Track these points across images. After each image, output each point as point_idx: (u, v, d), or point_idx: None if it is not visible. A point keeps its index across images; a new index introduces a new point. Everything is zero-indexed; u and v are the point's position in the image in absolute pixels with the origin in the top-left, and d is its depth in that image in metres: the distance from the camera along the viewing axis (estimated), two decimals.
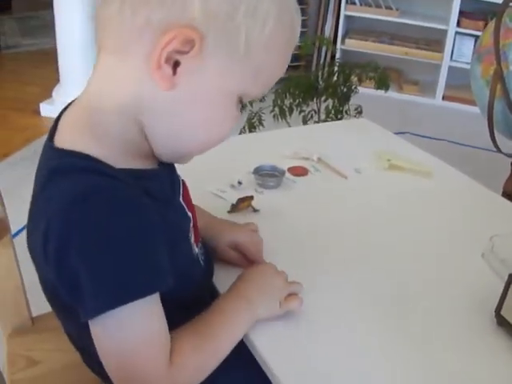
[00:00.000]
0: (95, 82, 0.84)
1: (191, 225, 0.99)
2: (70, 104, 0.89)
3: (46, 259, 0.78)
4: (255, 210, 1.32)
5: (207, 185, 1.39)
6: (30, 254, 0.88)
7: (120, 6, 0.78)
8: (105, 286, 0.75)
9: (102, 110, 0.82)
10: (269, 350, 0.95)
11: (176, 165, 0.99)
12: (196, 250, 1.00)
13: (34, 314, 1.30)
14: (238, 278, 1.03)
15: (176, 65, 0.79)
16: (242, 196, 1.33)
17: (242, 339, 0.97)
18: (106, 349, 0.80)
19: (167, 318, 0.84)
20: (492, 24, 2.29)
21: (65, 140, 0.83)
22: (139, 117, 0.82)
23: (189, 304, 0.93)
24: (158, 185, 0.89)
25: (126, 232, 0.76)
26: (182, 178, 1.03)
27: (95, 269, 0.75)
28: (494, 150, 2.48)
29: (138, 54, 0.78)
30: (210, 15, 0.76)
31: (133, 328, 0.79)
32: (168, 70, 0.78)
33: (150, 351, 0.81)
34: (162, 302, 0.82)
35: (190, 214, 0.99)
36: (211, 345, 0.91)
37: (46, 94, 4.09)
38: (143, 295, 0.77)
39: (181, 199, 0.98)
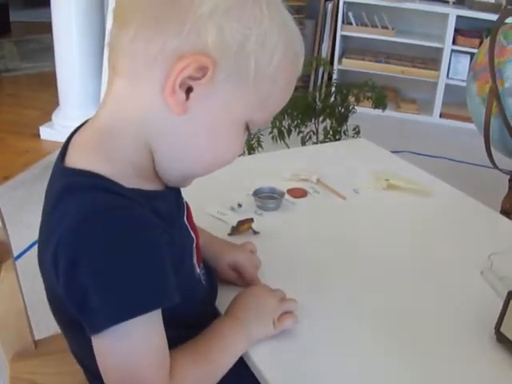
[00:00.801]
0: (108, 106, 0.86)
1: (194, 245, 1.01)
2: (80, 126, 0.91)
3: (56, 275, 0.80)
4: (255, 233, 1.33)
5: (207, 207, 1.40)
6: (41, 270, 0.89)
7: (134, 35, 0.80)
8: (111, 301, 0.77)
9: (113, 132, 0.84)
10: (268, 366, 0.96)
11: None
12: (198, 270, 1.02)
13: (37, 338, 1.31)
14: (233, 302, 1.04)
15: (188, 90, 0.81)
16: (242, 218, 1.34)
17: (242, 356, 0.98)
18: (107, 363, 0.82)
19: (170, 337, 0.86)
20: (487, 42, 2.31)
21: (76, 160, 0.85)
22: (149, 140, 0.85)
23: (192, 323, 0.95)
24: (165, 205, 0.90)
25: (133, 249, 0.78)
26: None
27: (102, 285, 0.77)
28: (492, 167, 2.49)
29: (152, 80, 0.81)
30: (224, 44, 0.79)
31: (135, 343, 0.80)
32: (182, 95, 0.81)
33: (151, 366, 0.82)
34: (165, 322, 0.84)
35: (193, 234, 1.01)
36: (209, 365, 0.93)
37: (46, 118, 4.10)
38: (147, 310, 0.79)
39: (185, 219, 0.99)
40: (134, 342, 0.80)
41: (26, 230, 2.54)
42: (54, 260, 0.79)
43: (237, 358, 0.96)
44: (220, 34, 0.79)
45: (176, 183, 0.94)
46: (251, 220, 1.33)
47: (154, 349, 0.83)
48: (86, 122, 0.91)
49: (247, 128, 0.90)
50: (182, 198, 1.01)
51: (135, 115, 0.84)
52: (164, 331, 0.84)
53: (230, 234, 1.31)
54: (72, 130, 0.92)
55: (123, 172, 0.84)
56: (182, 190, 1.00)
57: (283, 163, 1.67)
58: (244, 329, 0.98)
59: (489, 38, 2.30)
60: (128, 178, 0.84)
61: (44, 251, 0.84)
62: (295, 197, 1.51)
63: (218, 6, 0.79)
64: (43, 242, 0.86)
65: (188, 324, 0.94)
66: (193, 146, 0.87)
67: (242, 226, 1.32)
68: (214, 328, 0.98)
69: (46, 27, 4.12)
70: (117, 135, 0.84)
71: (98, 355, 0.82)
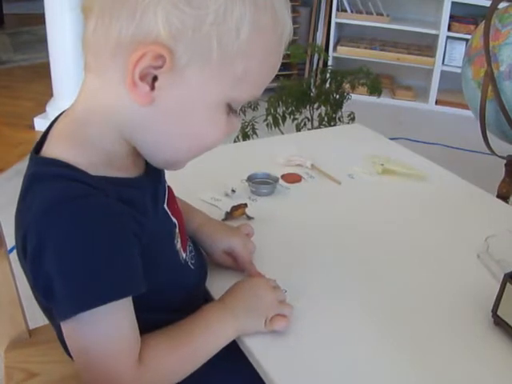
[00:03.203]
0: (81, 98, 0.86)
1: (177, 230, 0.99)
2: (57, 117, 0.90)
3: (24, 261, 0.81)
4: (249, 218, 1.32)
5: (201, 194, 1.39)
6: (18, 258, 0.89)
7: (94, 27, 0.79)
8: (76, 289, 0.77)
9: (85, 122, 0.84)
10: (264, 354, 0.95)
11: (168, 174, 1.00)
12: (183, 255, 1.01)
13: (31, 327, 1.30)
14: (230, 289, 1.03)
15: (155, 79, 0.79)
16: (235, 204, 1.33)
17: (238, 345, 0.97)
18: (75, 350, 0.83)
19: (159, 321, 0.86)
20: (482, 26, 2.30)
21: (47, 149, 0.85)
22: (122, 130, 0.84)
23: (181, 307, 0.95)
24: (138, 193, 0.89)
25: (97, 238, 0.78)
26: (176, 187, 1.03)
27: (67, 272, 0.77)
28: (488, 152, 2.49)
29: (114, 72, 0.80)
30: (175, 31, 0.76)
31: (102, 330, 0.80)
32: (144, 86, 0.79)
33: (117, 353, 0.82)
34: (153, 306, 0.84)
35: (174, 220, 0.99)
36: (186, 350, 0.91)
37: (40, 109, 4.09)
38: (113, 299, 0.79)
39: (165, 205, 0.98)
40: (98, 330, 0.80)
41: None
42: (23, 248, 0.80)
43: (220, 347, 0.95)
44: (170, 20, 0.76)
45: (164, 166, 0.94)
46: (245, 205, 1.32)
47: (120, 337, 0.82)
48: (62, 113, 0.90)
49: (230, 108, 0.86)
50: (162, 184, 1.00)
51: (105, 107, 0.83)
52: (134, 318, 0.84)
53: (224, 220, 1.30)
54: None
55: (94, 160, 0.83)
56: (173, 176, 0.99)
57: (277, 149, 1.67)
58: (233, 318, 0.97)
59: (484, 21, 2.29)
60: (97, 166, 0.82)
61: (16, 239, 0.84)
62: (289, 182, 1.50)
63: None
64: (17, 232, 0.86)
65: (176, 308, 0.94)
66: (167, 134, 0.85)
67: (236, 212, 1.31)
68: (199, 313, 0.96)
69: (39, 19, 4.10)
70: (89, 126, 0.83)
71: (67, 340, 0.82)
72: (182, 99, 0.82)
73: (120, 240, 0.80)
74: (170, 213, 0.98)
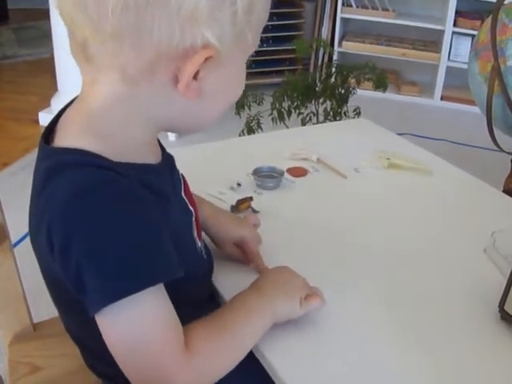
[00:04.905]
0: (98, 93, 0.82)
1: (193, 219, 0.99)
2: (64, 108, 0.89)
3: (51, 254, 0.78)
4: (255, 211, 1.32)
5: (206, 187, 1.38)
6: (35, 254, 0.88)
7: (117, 47, 0.77)
8: (109, 277, 0.76)
9: (106, 114, 0.82)
10: (279, 359, 0.94)
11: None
12: (199, 244, 1.01)
13: (36, 321, 1.30)
14: (259, 278, 1.03)
15: (197, 72, 0.80)
16: (241, 197, 1.33)
17: (253, 352, 0.95)
18: (116, 342, 0.80)
19: None
20: (488, 21, 2.29)
21: (63, 140, 0.83)
22: (152, 120, 0.85)
23: (191, 299, 0.93)
24: (159, 179, 0.89)
25: (126, 223, 0.77)
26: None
27: (98, 260, 0.75)
28: (494, 149, 2.49)
29: (154, 79, 0.80)
30: (218, 31, 0.78)
31: (141, 318, 0.78)
32: (194, 83, 0.81)
33: (162, 339, 0.80)
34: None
35: (191, 208, 1.00)
36: (233, 339, 0.90)
37: (45, 103, 4.09)
38: (148, 285, 0.77)
39: (182, 194, 0.98)
40: (137, 318, 0.78)
41: (25, 215, 2.53)
42: (48, 240, 0.78)
43: (260, 335, 0.94)
44: (213, 24, 0.77)
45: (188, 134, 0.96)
46: (250, 199, 1.32)
47: (160, 322, 0.81)
48: (70, 103, 0.89)
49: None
50: (177, 171, 1.00)
51: (134, 106, 0.82)
52: (171, 305, 0.82)
53: None
54: None
55: (115, 148, 0.82)
56: (180, 168, 0.99)
57: (283, 143, 1.66)
58: (270, 304, 0.96)
59: (490, 16, 2.28)
60: (120, 153, 0.82)
61: (37, 234, 0.82)
62: (295, 176, 1.50)
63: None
64: (35, 225, 0.85)
65: (187, 299, 0.91)
66: (207, 109, 0.88)
67: (242, 205, 1.31)
68: (236, 300, 0.96)
69: (44, 14, 4.09)
70: (111, 118, 0.82)
71: (104, 333, 0.79)
72: (221, 79, 0.85)
73: (150, 225, 0.79)
74: (187, 201, 0.99)
